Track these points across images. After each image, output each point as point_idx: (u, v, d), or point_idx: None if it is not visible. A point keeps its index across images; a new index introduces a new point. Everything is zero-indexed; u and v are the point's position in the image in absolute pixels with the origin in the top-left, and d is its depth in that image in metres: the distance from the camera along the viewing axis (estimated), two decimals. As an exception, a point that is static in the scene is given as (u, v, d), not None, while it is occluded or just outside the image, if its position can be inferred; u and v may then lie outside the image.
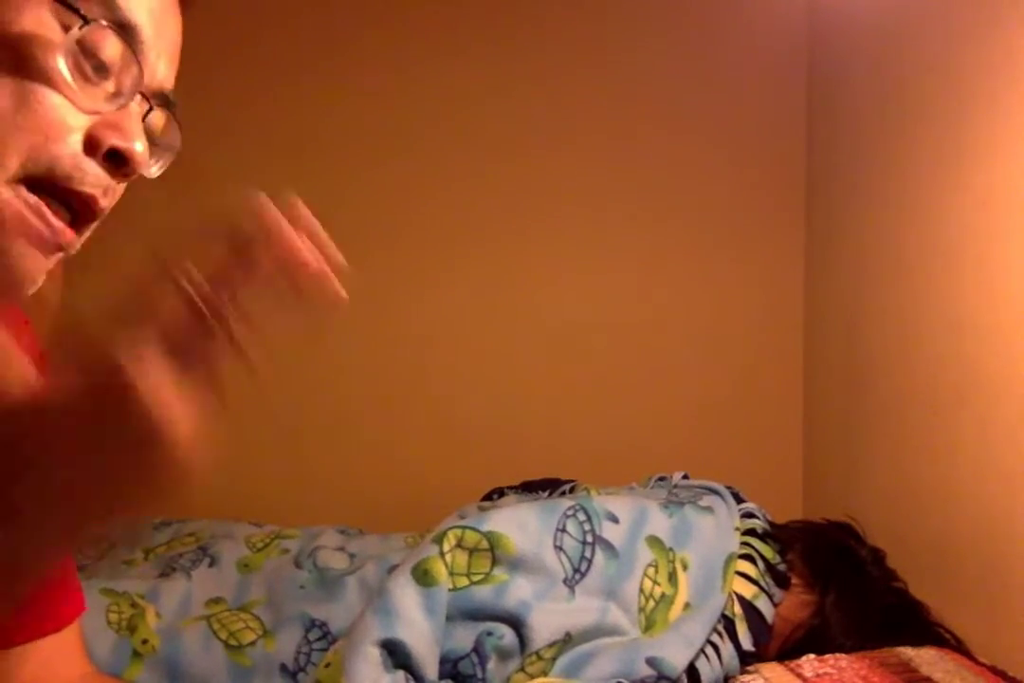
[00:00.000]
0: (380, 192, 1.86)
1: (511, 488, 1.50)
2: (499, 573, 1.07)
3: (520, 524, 1.11)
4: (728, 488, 1.34)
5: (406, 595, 1.02)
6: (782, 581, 1.20)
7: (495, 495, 1.49)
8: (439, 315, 1.88)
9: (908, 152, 1.44)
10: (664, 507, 1.22)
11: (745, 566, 1.19)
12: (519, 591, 1.06)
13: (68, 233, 0.55)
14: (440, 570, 1.05)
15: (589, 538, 1.12)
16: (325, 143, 1.86)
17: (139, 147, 0.56)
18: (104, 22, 0.54)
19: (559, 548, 1.10)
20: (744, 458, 1.84)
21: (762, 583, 1.18)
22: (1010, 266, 1.17)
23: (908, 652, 1.10)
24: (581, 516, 1.15)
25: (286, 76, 1.86)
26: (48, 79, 0.53)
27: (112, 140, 0.55)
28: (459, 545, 1.08)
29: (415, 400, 1.87)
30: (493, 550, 1.08)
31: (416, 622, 1.00)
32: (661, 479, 1.44)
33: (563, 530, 1.12)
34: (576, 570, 1.10)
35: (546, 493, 1.45)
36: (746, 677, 1.09)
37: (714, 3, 1.84)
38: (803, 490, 1.87)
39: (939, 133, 1.34)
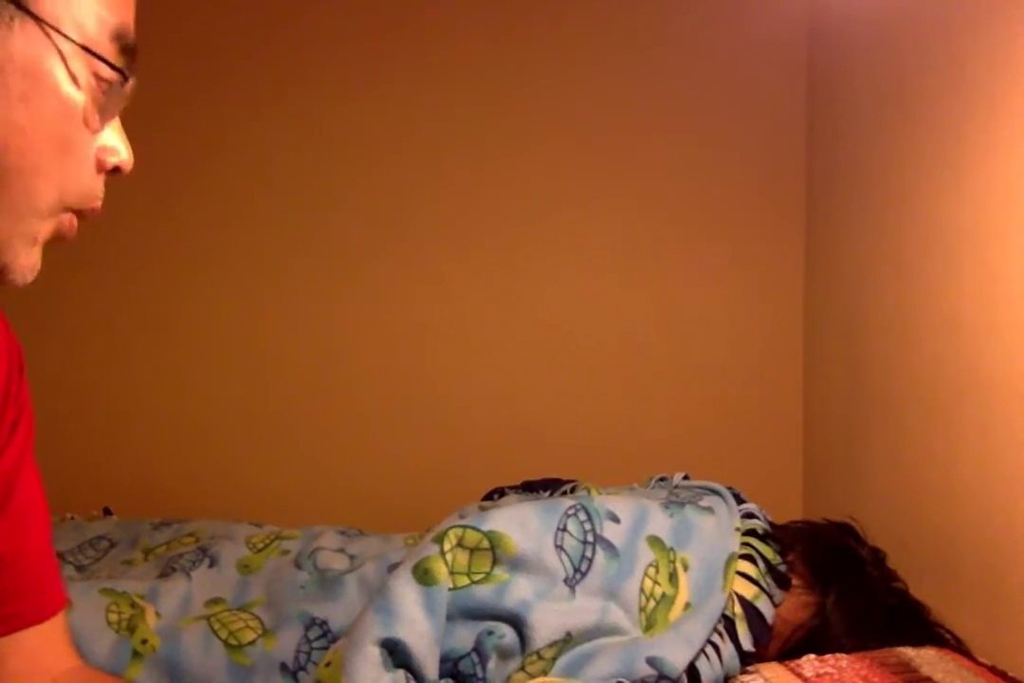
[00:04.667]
0: (384, 194, 1.86)
1: (512, 488, 1.49)
2: (500, 572, 1.07)
3: (521, 523, 1.11)
4: (729, 489, 1.34)
5: (406, 594, 1.02)
6: (783, 582, 1.20)
7: (496, 495, 1.49)
8: (440, 315, 1.88)
9: (908, 152, 1.44)
10: (665, 507, 1.22)
11: (746, 566, 1.19)
12: (520, 590, 1.06)
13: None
14: (441, 569, 1.05)
15: (590, 538, 1.12)
16: (328, 144, 1.87)
17: (130, 156, 0.64)
18: (124, 69, 0.60)
19: (560, 547, 1.10)
20: (744, 458, 1.84)
21: (763, 583, 1.18)
22: (1009, 266, 1.17)
23: (908, 652, 1.10)
24: (582, 516, 1.14)
25: (291, 79, 1.86)
26: (85, 126, 0.60)
27: (115, 160, 0.63)
28: (460, 544, 1.08)
29: (416, 400, 1.87)
30: (494, 549, 1.08)
31: (416, 621, 1.00)
32: (662, 479, 1.44)
33: (564, 529, 1.12)
34: (577, 569, 1.10)
35: (547, 493, 1.45)
36: (746, 677, 1.09)
37: (714, 3, 1.84)
38: (803, 490, 1.87)
39: (939, 133, 1.34)
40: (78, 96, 0.58)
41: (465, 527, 1.10)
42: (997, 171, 1.20)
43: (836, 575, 1.23)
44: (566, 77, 1.87)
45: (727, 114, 1.87)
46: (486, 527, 1.09)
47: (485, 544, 1.08)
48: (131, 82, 0.61)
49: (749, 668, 1.12)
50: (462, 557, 1.08)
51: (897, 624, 1.20)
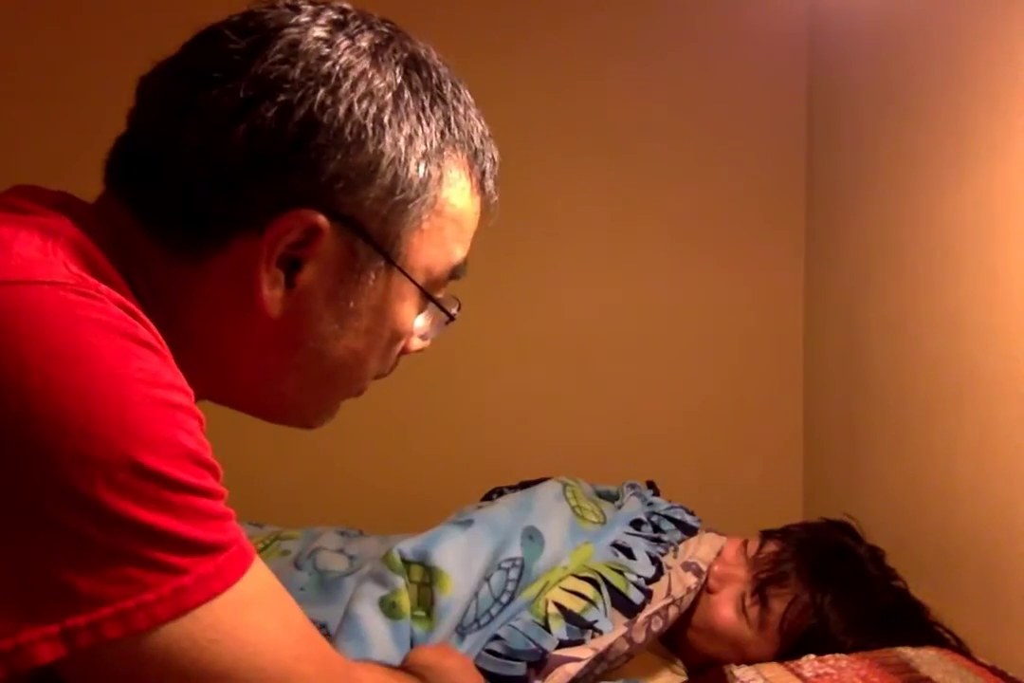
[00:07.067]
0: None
1: (511, 488, 1.49)
2: (434, 616, 1.08)
3: (466, 563, 1.11)
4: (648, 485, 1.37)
5: (376, 627, 1.05)
6: (629, 609, 1.15)
7: (495, 494, 1.49)
8: (439, 315, 1.87)
9: (908, 152, 1.44)
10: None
11: (582, 586, 1.15)
12: (440, 639, 1.08)
13: None
14: (406, 603, 1.08)
15: (504, 598, 1.12)
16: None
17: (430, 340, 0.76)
18: (453, 301, 0.75)
19: (475, 595, 1.11)
20: (744, 458, 1.84)
21: (598, 604, 1.13)
22: (1010, 266, 1.17)
23: (908, 652, 1.11)
24: (513, 574, 1.13)
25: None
26: (406, 339, 0.73)
27: (419, 347, 0.75)
28: (410, 578, 1.11)
29: (416, 400, 1.87)
30: (432, 585, 1.10)
31: (391, 655, 1.02)
32: (631, 486, 1.44)
33: (487, 580, 1.12)
34: (475, 621, 1.10)
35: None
36: (746, 677, 1.09)
37: (714, 4, 1.84)
38: (803, 490, 1.87)
39: (939, 133, 1.34)
40: (412, 325, 0.70)
41: (410, 562, 1.11)
42: (997, 170, 1.20)
43: (833, 573, 1.23)
44: (564, 78, 1.86)
45: (727, 113, 1.87)
46: (431, 562, 1.10)
47: (427, 579, 1.10)
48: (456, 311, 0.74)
49: (749, 668, 1.12)
50: (413, 590, 1.10)
51: (896, 622, 1.20)
